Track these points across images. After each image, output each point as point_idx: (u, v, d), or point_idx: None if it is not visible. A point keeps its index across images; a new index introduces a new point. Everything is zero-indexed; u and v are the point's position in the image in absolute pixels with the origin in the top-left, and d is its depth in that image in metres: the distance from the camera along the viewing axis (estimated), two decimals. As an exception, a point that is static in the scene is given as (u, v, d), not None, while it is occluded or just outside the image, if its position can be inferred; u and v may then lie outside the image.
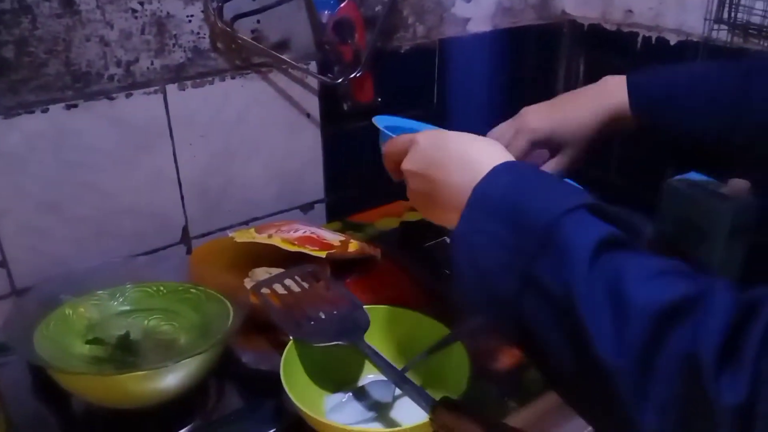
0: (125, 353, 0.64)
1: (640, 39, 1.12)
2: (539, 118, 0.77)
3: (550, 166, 0.80)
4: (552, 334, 0.42)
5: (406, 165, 0.58)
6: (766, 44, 0.97)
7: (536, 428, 0.75)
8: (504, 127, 0.79)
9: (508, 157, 0.53)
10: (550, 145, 0.78)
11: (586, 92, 0.78)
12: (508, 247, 0.45)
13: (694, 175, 0.98)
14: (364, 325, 0.68)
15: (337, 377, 0.68)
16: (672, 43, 1.08)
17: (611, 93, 0.75)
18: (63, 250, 0.84)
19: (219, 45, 0.88)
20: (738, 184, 0.92)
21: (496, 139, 0.73)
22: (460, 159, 0.53)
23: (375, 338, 0.69)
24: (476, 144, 0.55)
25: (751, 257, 0.96)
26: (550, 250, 0.43)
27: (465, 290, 0.48)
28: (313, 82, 0.98)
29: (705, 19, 1.01)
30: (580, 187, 0.53)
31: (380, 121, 0.75)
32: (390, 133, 0.67)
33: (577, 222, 0.44)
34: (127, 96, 0.83)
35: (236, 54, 0.90)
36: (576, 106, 0.77)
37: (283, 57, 0.92)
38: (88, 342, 0.65)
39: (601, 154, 0.81)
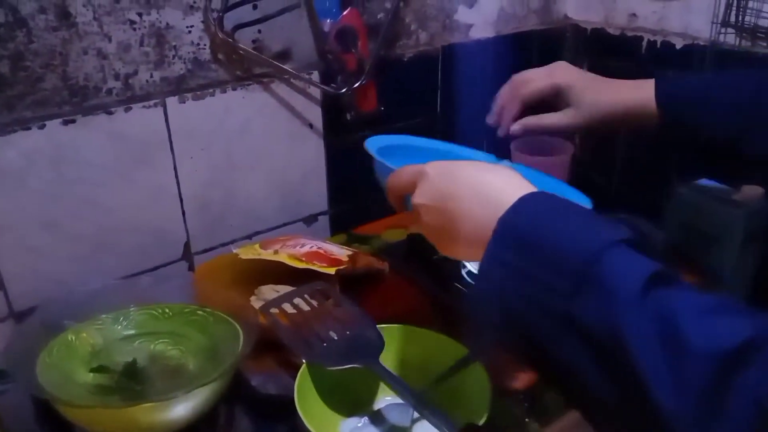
0: (132, 381, 0.62)
1: (644, 43, 1.11)
2: (569, 71, 0.85)
3: (552, 119, 0.85)
4: (596, 372, 0.40)
5: (418, 199, 0.55)
6: (775, 48, 0.95)
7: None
8: (533, 71, 0.86)
9: (526, 184, 0.50)
10: (564, 99, 0.83)
11: (619, 81, 0.83)
12: (542, 285, 0.42)
13: (703, 182, 0.97)
14: (378, 346, 0.65)
15: (352, 400, 0.66)
16: (678, 47, 1.06)
17: (640, 86, 0.79)
18: (62, 269, 0.81)
19: (219, 56, 0.86)
20: (751, 191, 0.90)
21: (525, 78, 0.84)
22: (477, 189, 0.51)
23: (390, 359, 0.67)
24: (491, 173, 0.52)
25: (764, 264, 0.94)
26: (591, 288, 0.40)
27: (493, 327, 0.46)
28: (316, 92, 0.96)
29: (712, 23, 0.99)
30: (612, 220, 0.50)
31: (372, 145, 0.73)
32: (390, 165, 0.63)
33: (619, 258, 0.41)
34: (126, 110, 0.80)
35: (237, 65, 0.88)
36: (605, 82, 0.83)
37: (285, 67, 0.90)
38: (92, 370, 0.63)
39: (606, 141, 0.85)
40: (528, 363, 0.48)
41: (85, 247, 0.83)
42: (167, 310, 0.71)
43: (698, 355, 0.36)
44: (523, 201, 0.47)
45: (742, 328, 0.37)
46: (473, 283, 0.49)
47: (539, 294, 0.42)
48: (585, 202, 0.75)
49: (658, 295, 0.39)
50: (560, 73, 0.84)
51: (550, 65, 0.86)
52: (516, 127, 0.87)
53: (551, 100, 0.85)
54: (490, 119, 0.90)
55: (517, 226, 0.46)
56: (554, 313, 0.41)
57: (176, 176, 0.87)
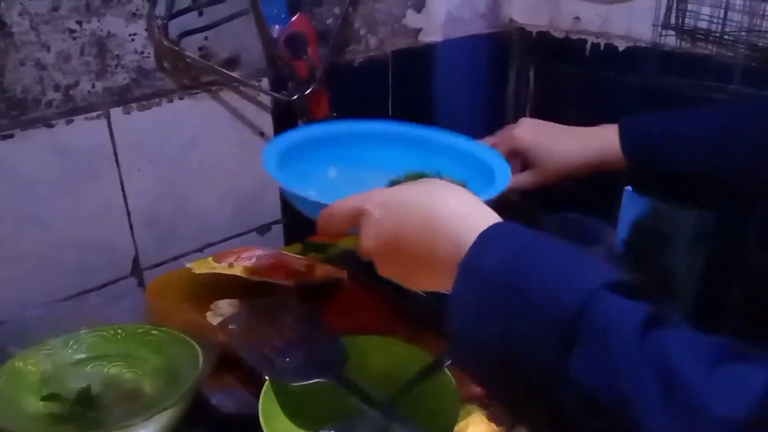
0: (87, 409, 0.59)
1: (588, 45, 1.13)
2: (530, 129, 0.82)
3: (518, 179, 0.81)
4: (592, 424, 0.37)
5: (367, 243, 0.50)
6: (713, 49, 0.99)
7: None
8: (495, 136, 0.84)
9: (481, 210, 0.47)
10: (528, 158, 0.80)
11: (582, 129, 0.81)
12: (525, 340, 0.39)
13: (651, 181, 0.99)
14: (342, 358, 0.64)
15: (320, 415, 0.64)
16: (621, 49, 1.09)
17: (603, 134, 0.78)
18: (3, 291, 0.77)
19: (165, 64, 0.83)
20: (697, 190, 0.93)
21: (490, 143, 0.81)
22: (431, 225, 0.46)
23: (354, 370, 0.66)
24: (441, 200, 0.48)
25: (710, 265, 0.97)
26: (582, 341, 0.37)
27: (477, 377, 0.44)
28: (266, 100, 0.94)
29: (653, 25, 1.02)
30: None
31: (271, 159, 0.67)
32: (319, 200, 0.57)
33: (608, 305, 0.38)
34: (68, 122, 0.77)
35: (184, 73, 0.85)
36: (569, 133, 0.81)
37: (233, 74, 0.88)
38: (43, 398, 0.59)
39: (573, 186, 0.84)
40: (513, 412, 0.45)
41: (28, 267, 0.79)
42: (120, 331, 0.68)
43: (713, 420, 0.33)
44: (485, 237, 0.43)
45: (755, 382, 0.34)
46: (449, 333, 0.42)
47: (526, 350, 0.39)
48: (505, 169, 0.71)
49: (653, 341, 0.36)
50: (520, 135, 0.81)
51: (515, 124, 0.84)
52: None
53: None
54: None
55: (484, 270, 0.42)
56: (546, 370, 0.38)
57: (123, 190, 0.84)
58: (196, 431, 0.66)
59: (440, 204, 0.48)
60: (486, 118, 1.27)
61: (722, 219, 0.92)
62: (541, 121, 0.84)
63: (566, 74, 1.18)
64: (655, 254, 0.95)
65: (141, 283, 0.89)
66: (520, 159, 0.82)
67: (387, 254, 0.50)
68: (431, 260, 0.47)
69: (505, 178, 0.69)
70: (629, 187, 0.98)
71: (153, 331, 0.68)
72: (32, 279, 0.79)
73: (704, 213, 0.91)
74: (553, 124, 0.83)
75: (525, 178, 0.82)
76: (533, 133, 0.81)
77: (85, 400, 0.59)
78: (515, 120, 1.26)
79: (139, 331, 0.68)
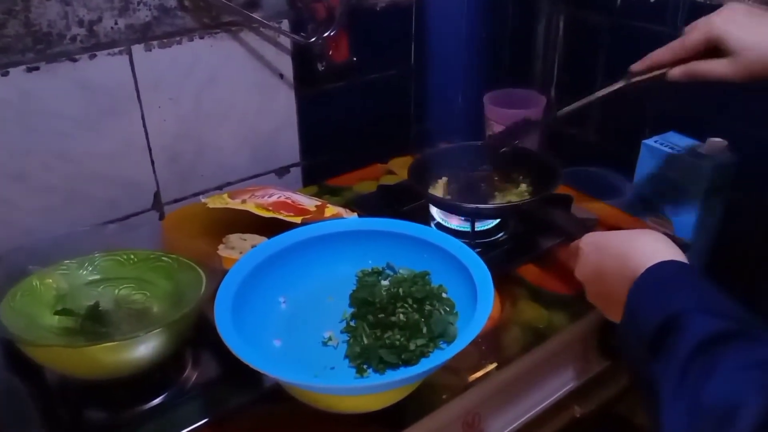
0: (96, 324, 0.63)
1: (620, -5, 1.10)
2: (733, 13, 0.72)
3: (716, 67, 0.73)
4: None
5: (577, 274, 0.66)
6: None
7: (515, 388, 0.76)
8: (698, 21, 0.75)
9: (669, 250, 0.56)
10: (728, 48, 0.71)
11: None
12: (636, 358, 0.50)
13: (671, 135, 0.98)
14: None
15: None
16: (652, 0, 1.06)
17: None
18: (31, 221, 0.81)
19: (186, 3, 0.85)
20: (715, 144, 0.91)
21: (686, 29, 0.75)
22: (618, 262, 0.58)
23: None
24: (636, 242, 0.58)
25: (729, 214, 0.96)
26: (663, 350, 0.47)
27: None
28: (286, 42, 0.95)
29: (685, -26, 0.98)
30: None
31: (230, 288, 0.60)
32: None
33: (690, 323, 0.46)
34: (91, 57, 0.80)
35: (204, 12, 0.87)
36: None
37: (253, 15, 0.89)
38: (56, 313, 0.63)
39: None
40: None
41: (55, 199, 0.83)
42: (132, 257, 0.71)
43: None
44: (643, 276, 0.54)
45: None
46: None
47: (636, 364, 0.51)
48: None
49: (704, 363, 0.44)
50: (719, 20, 0.72)
51: (715, 12, 0.74)
52: (676, 72, 0.76)
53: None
54: (636, 66, 0.81)
55: (639, 300, 0.53)
56: (643, 378, 0.49)
57: (144, 126, 0.87)
58: (203, 354, 0.69)
59: (636, 246, 0.58)
60: (513, 69, 1.25)
61: (741, 167, 0.91)
62: (746, 6, 0.74)
63: (596, 24, 1.15)
64: (670, 205, 0.94)
65: (162, 217, 0.93)
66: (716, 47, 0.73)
67: (590, 284, 0.65)
68: (616, 295, 0.58)
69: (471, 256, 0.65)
70: (647, 140, 0.97)
71: (164, 258, 0.71)
72: (60, 210, 0.84)
73: (720, 163, 0.89)
74: (758, 10, 0.73)
75: (720, 67, 0.72)
76: (733, 17, 0.72)
77: (94, 315, 0.63)
78: (543, 70, 1.26)
79: (151, 257, 0.71)
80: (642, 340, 0.49)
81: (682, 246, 0.59)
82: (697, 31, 0.73)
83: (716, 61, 0.72)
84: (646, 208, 0.98)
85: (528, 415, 0.80)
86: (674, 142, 0.95)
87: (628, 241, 0.59)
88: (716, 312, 0.47)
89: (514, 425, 0.78)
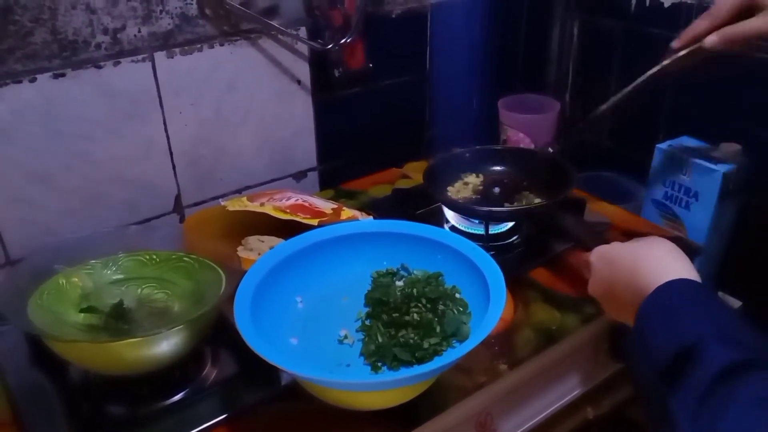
0: (119, 321, 0.65)
1: (633, 1, 1.11)
2: None
3: (754, 24, 0.73)
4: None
5: (590, 289, 0.66)
6: None
7: (527, 389, 0.77)
8: None
9: (677, 263, 0.56)
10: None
11: None
12: (649, 384, 0.50)
13: (685, 139, 0.98)
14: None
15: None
16: (666, 5, 1.07)
17: None
18: (54, 221, 0.84)
19: (207, 11, 0.87)
20: (729, 148, 0.92)
21: None
22: (627, 278, 0.59)
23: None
24: (646, 257, 0.58)
25: (742, 218, 0.96)
26: (681, 377, 0.46)
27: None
28: (303, 49, 0.97)
29: (700, -20, 0.99)
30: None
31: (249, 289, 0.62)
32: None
33: (707, 351, 0.46)
34: (115, 64, 0.82)
35: (224, 20, 0.89)
36: None
37: (272, 23, 0.91)
38: (82, 311, 0.66)
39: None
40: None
41: (77, 200, 0.86)
42: (155, 257, 0.73)
43: None
44: (656, 291, 0.54)
45: None
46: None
47: (650, 389, 0.50)
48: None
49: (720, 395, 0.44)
50: None
51: None
52: (713, 38, 0.75)
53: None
54: (676, 42, 0.81)
55: (649, 324, 0.53)
56: (660, 408, 0.48)
57: (166, 131, 0.89)
58: (222, 352, 0.71)
59: (648, 260, 0.58)
60: (528, 75, 1.26)
61: (755, 171, 0.91)
62: None
63: (610, 30, 1.17)
64: (683, 210, 0.94)
65: (182, 220, 0.95)
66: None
67: (603, 300, 0.65)
68: (628, 305, 0.58)
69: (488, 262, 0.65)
70: (660, 144, 0.97)
71: (185, 258, 0.73)
72: (82, 212, 0.86)
73: (734, 167, 0.90)
74: None
75: (762, 22, 0.72)
76: None
77: (118, 312, 0.65)
78: (558, 75, 1.27)
79: (173, 257, 0.73)
80: (655, 368, 0.49)
81: (696, 250, 0.60)
82: None
83: (752, 19, 0.73)
84: (659, 213, 0.99)
85: (541, 416, 0.80)
86: (688, 146, 0.96)
87: (637, 255, 0.59)
88: (731, 339, 0.47)
89: (527, 426, 0.79)
